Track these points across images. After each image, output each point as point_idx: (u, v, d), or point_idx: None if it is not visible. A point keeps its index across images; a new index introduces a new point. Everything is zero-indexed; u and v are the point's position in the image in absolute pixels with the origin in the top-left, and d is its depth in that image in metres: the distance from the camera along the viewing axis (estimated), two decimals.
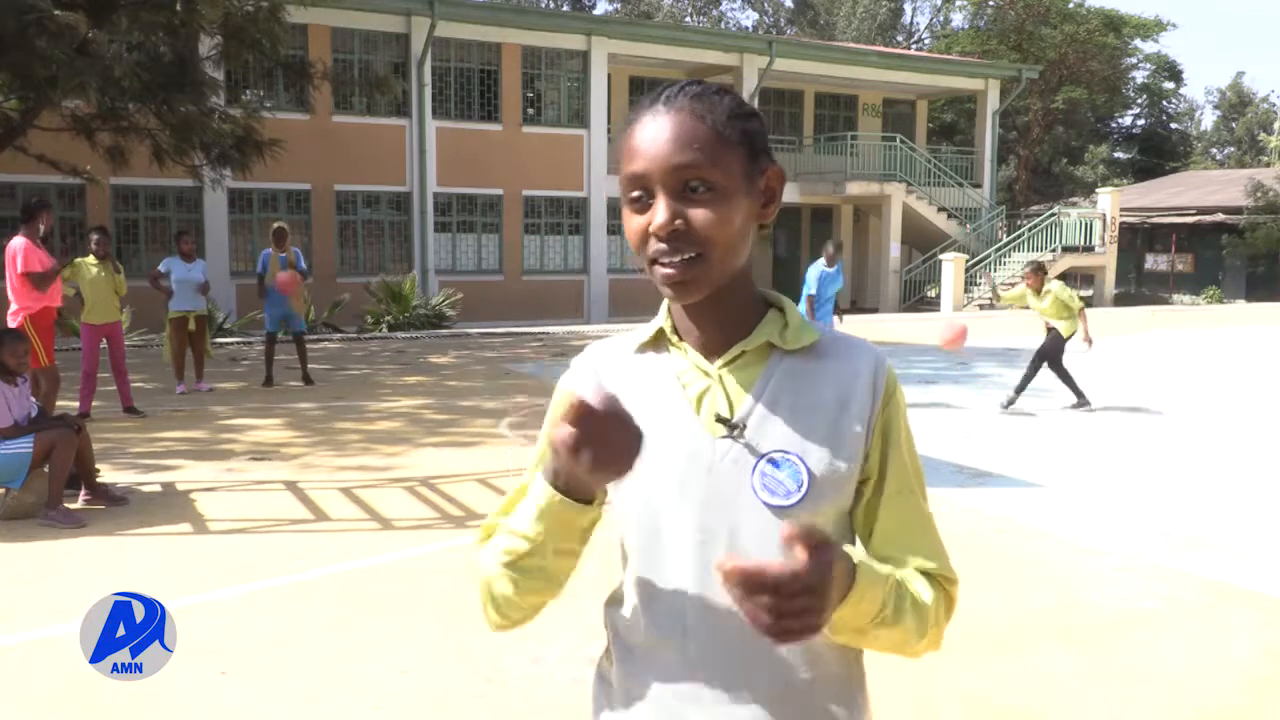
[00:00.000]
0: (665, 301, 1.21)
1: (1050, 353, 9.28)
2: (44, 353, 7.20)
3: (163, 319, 10.11)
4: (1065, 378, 9.32)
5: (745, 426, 1.13)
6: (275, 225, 10.91)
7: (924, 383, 11.33)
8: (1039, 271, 9.38)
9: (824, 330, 1.20)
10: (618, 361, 1.22)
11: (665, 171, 1.09)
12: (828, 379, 1.16)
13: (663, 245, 1.10)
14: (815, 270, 9.71)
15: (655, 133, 1.11)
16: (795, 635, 0.93)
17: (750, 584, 0.91)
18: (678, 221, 1.09)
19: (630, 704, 1.19)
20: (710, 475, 1.13)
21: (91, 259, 8.59)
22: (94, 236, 8.73)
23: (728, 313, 1.17)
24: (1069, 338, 9.29)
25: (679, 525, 1.13)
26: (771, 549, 1.11)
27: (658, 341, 1.21)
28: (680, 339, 1.19)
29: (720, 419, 1.14)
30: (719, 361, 1.16)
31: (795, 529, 0.93)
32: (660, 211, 1.09)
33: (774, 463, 1.12)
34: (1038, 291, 9.30)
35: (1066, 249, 25.38)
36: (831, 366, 1.17)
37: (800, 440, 1.13)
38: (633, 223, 1.13)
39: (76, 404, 8.39)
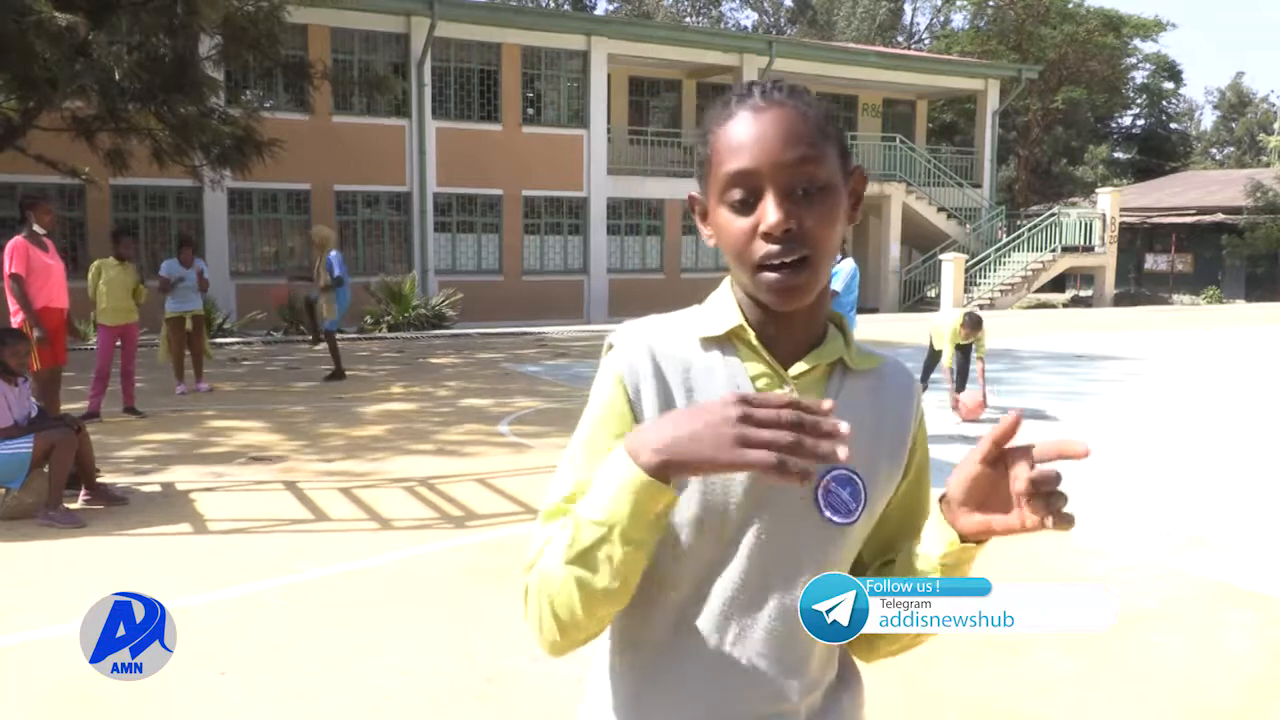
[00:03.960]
0: (729, 294, 1.15)
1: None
2: (36, 355, 7.15)
3: (159, 319, 10.13)
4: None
5: None
6: (319, 233, 11.16)
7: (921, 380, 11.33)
8: (976, 324, 9.17)
9: (879, 354, 1.20)
10: (679, 351, 1.13)
11: (776, 168, 1.05)
12: (887, 402, 1.18)
13: (774, 247, 1.05)
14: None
15: (762, 128, 1.05)
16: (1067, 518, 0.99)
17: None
18: (792, 222, 1.05)
19: (650, 706, 1.15)
20: (771, 488, 1.10)
21: (113, 259, 8.75)
22: (124, 239, 8.93)
23: (806, 321, 1.14)
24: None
25: (734, 529, 1.10)
26: (821, 564, 1.11)
27: (727, 340, 1.14)
28: (759, 342, 1.13)
29: None
30: (794, 370, 1.13)
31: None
32: (773, 211, 1.04)
33: (840, 481, 1.12)
34: (967, 339, 9.19)
35: (1066, 249, 25.40)
36: (889, 388, 1.18)
37: (860, 459, 1.12)
38: (736, 223, 1.07)
39: (81, 405, 8.39)
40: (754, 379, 1.12)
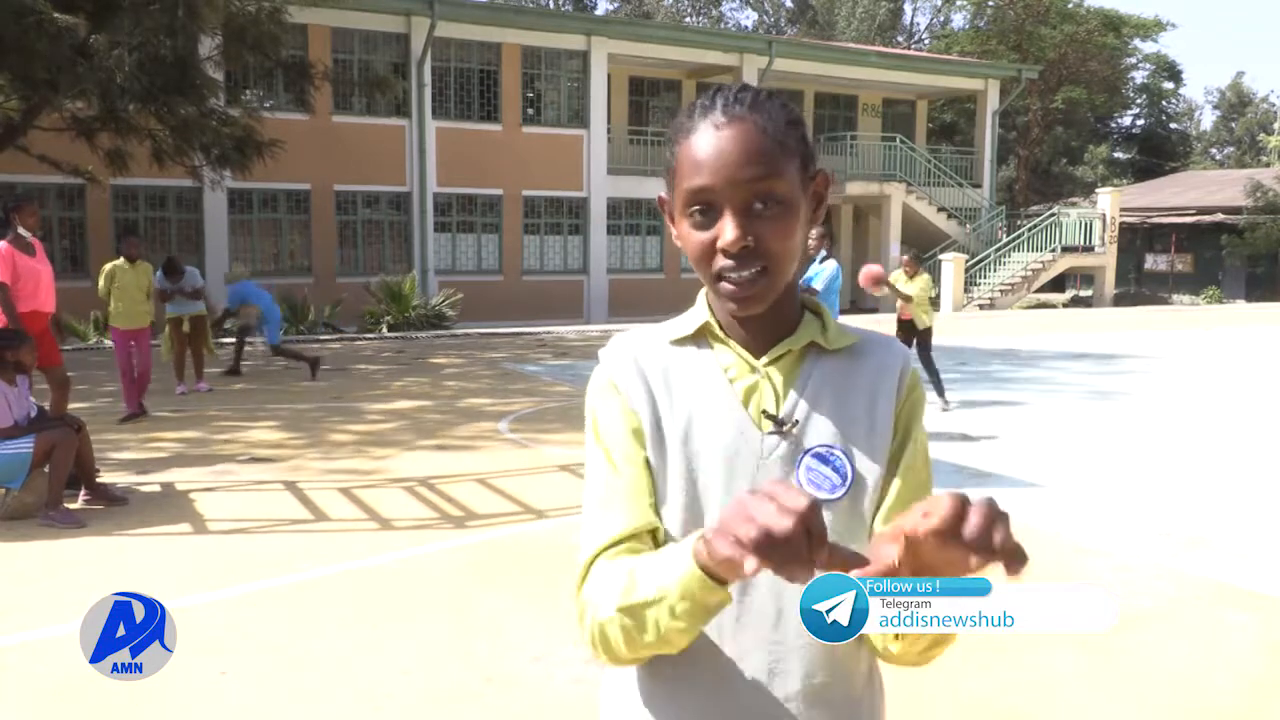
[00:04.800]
0: (703, 296, 1.21)
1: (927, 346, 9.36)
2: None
3: (163, 319, 10.16)
4: (934, 372, 9.30)
5: (797, 421, 1.14)
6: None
7: (924, 382, 11.31)
8: (916, 260, 9.57)
9: (859, 331, 1.21)
10: (656, 353, 1.20)
11: (732, 187, 1.08)
12: (864, 376, 1.18)
13: (730, 261, 1.10)
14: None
15: (719, 145, 1.09)
16: (1018, 560, 0.87)
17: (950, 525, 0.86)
18: (748, 238, 1.09)
19: (657, 706, 1.17)
20: (757, 470, 1.13)
21: (123, 261, 8.72)
22: (129, 239, 8.88)
23: (775, 314, 1.17)
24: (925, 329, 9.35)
25: (714, 512, 1.13)
26: None
27: (699, 336, 1.20)
28: (726, 335, 1.19)
29: (769, 415, 1.14)
30: (765, 358, 1.17)
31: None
32: (729, 229, 1.08)
33: (820, 457, 1.14)
34: (911, 277, 9.33)
35: (1066, 249, 25.41)
36: (867, 364, 1.19)
37: (841, 436, 1.15)
38: (696, 237, 1.12)
39: (85, 405, 8.38)
40: (725, 369, 1.17)
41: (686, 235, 1.13)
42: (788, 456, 1.13)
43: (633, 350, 1.20)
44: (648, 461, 1.16)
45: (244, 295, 11.46)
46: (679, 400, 1.16)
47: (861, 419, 1.16)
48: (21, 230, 7.22)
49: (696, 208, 1.11)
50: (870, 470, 1.15)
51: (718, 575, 0.96)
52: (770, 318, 1.17)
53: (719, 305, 1.18)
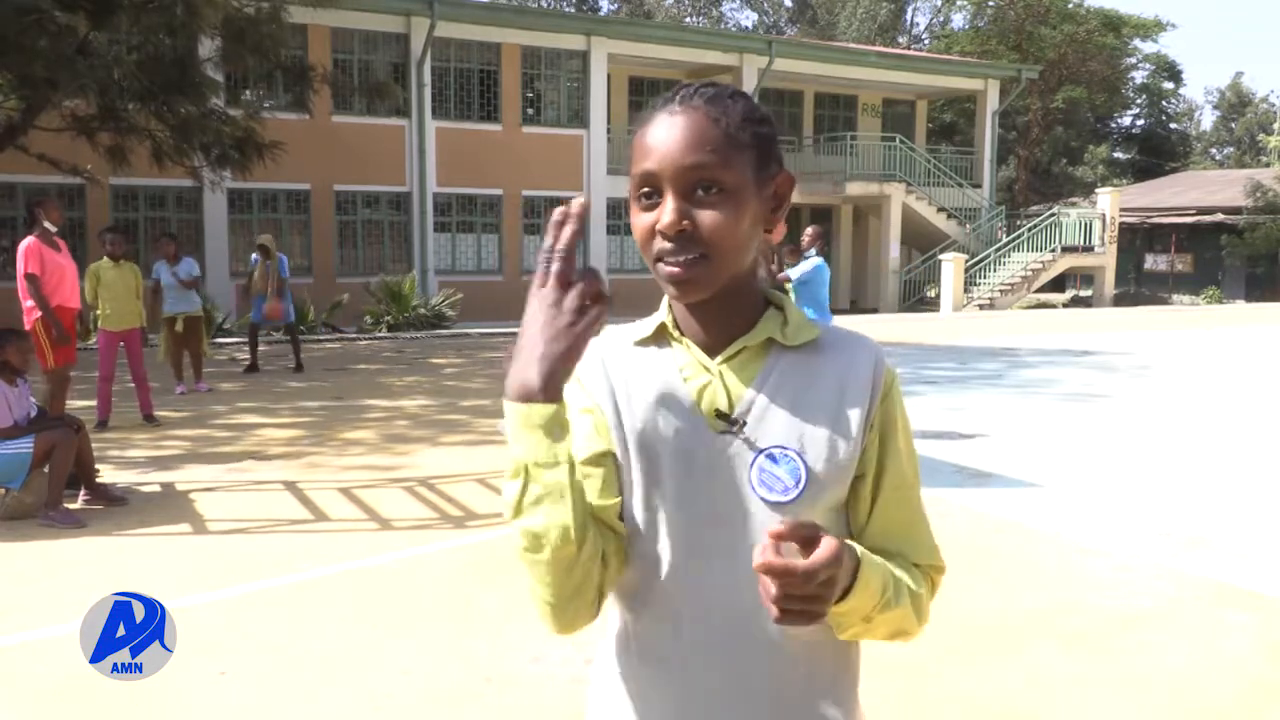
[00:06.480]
0: (666, 297, 1.21)
1: None
2: (51, 355, 7.11)
3: (159, 319, 10.14)
4: None
5: (745, 422, 1.14)
6: (259, 240, 11.80)
7: (924, 383, 11.33)
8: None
9: (824, 326, 1.21)
10: (620, 355, 1.21)
11: (675, 171, 1.10)
12: (827, 373, 1.16)
13: (668, 244, 1.10)
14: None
15: (668, 132, 1.11)
16: (802, 620, 0.99)
17: (778, 574, 0.96)
18: (685, 222, 1.09)
19: (631, 697, 1.19)
20: (709, 470, 1.13)
21: (106, 261, 8.30)
22: (107, 237, 8.38)
23: (730, 310, 1.17)
24: None
25: (676, 518, 1.13)
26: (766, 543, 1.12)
27: (659, 336, 1.21)
28: (681, 334, 1.19)
29: (719, 414, 1.14)
30: (720, 357, 1.17)
31: (785, 528, 0.96)
32: (668, 211, 1.09)
33: (772, 458, 1.12)
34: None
35: (1066, 249, 25.40)
36: (831, 361, 1.17)
37: (799, 436, 1.13)
38: (640, 220, 1.13)
39: (83, 404, 8.37)
40: (681, 369, 1.17)
41: (633, 219, 1.15)
42: (740, 457, 1.13)
43: (599, 351, 1.21)
44: (614, 456, 1.16)
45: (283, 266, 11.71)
46: (638, 402, 1.16)
47: (822, 419, 1.14)
48: (47, 224, 7.23)
49: (644, 191, 1.13)
50: (829, 471, 1.13)
51: (527, 397, 1.02)
52: (725, 314, 1.17)
53: (674, 303, 1.20)
